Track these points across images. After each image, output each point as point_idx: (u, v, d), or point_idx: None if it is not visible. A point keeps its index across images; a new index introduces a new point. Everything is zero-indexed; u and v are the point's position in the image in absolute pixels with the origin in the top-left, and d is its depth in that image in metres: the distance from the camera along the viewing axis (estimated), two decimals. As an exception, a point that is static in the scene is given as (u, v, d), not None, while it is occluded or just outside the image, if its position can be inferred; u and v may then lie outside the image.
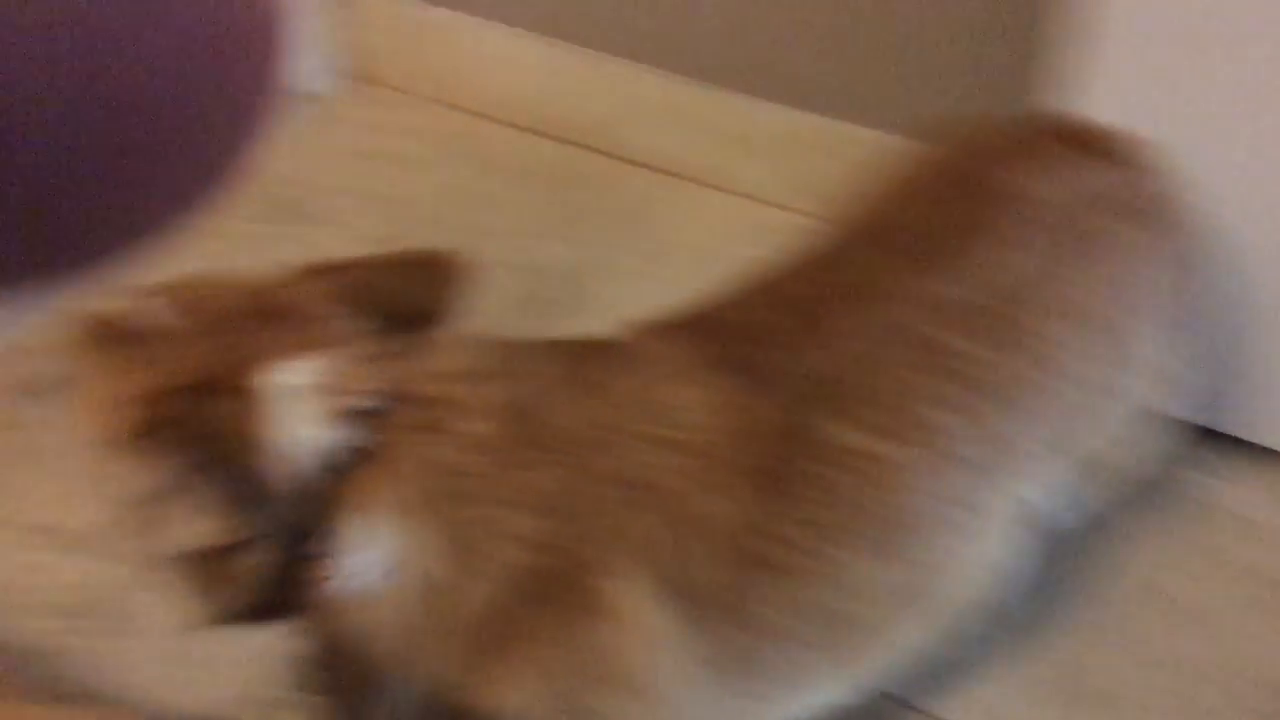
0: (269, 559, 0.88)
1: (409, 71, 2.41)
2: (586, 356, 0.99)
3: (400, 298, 0.97)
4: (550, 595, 0.89)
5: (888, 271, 1.05)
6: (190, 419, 0.84)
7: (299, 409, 0.86)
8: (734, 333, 1.02)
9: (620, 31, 2.14)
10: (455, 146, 2.32)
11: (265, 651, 1.07)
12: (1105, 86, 1.37)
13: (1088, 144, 1.22)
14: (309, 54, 2.37)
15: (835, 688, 1.04)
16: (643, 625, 0.89)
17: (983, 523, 1.02)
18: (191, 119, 0.49)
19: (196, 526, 0.85)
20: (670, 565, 0.90)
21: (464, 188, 2.23)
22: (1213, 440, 1.59)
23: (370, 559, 0.87)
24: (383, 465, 0.88)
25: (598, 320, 1.06)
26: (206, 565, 0.88)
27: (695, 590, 0.91)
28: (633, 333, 1.02)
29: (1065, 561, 1.41)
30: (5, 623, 1.53)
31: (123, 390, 0.88)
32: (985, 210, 1.09)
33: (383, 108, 2.42)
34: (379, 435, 0.88)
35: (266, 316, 0.91)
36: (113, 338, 0.92)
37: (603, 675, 0.91)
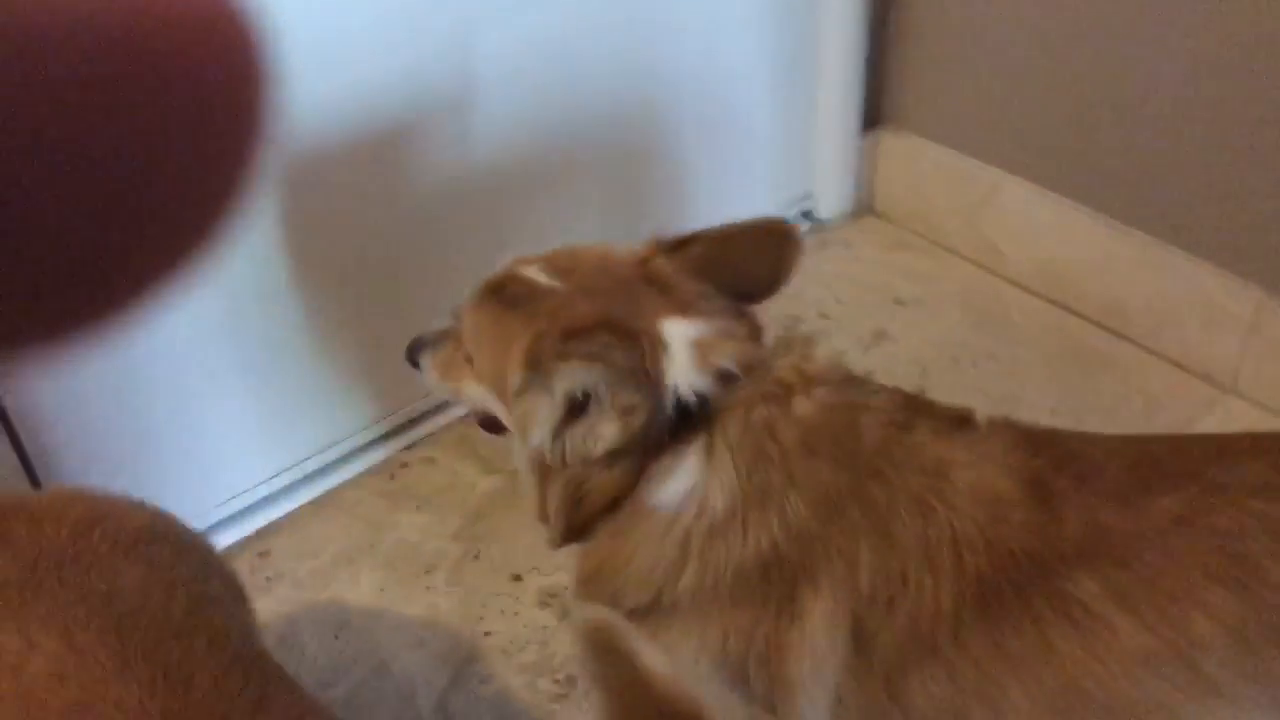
0: (616, 478, 1.04)
1: (929, 216, 2.38)
2: (923, 410, 1.06)
3: (743, 267, 1.12)
4: (770, 577, 0.99)
5: (1254, 480, 0.93)
6: (595, 354, 1.00)
7: (679, 358, 1.03)
8: (1060, 457, 1.00)
9: (1175, 222, 2.00)
10: (963, 299, 2.25)
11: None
12: None
13: None
14: (829, 180, 2.41)
15: None
16: (817, 645, 0.98)
17: None
18: (170, 183, 0.44)
19: (593, 442, 1.01)
20: (865, 609, 0.97)
21: (968, 343, 2.15)
22: None
23: (682, 487, 1.03)
24: (720, 418, 1.03)
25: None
26: (576, 484, 1.06)
27: (871, 643, 0.97)
28: (985, 418, 1.06)
29: None
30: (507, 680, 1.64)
31: (531, 330, 1.06)
32: None
33: (895, 246, 2.41)
34: (725, 394, 1.03)
35: (643, 283, 1.09)
36: (508, 294, 1.13)
37: (767, 662, 1.01)
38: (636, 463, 1.04)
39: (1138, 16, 1.89)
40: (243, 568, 1.81)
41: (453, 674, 1.66)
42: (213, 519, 1.84)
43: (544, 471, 1.10)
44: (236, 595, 1.08)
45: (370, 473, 1.97)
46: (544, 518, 1.14)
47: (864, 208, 2.49)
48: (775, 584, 1.00)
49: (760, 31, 2.15)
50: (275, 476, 1.89)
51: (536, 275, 1.13)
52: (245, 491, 1.86)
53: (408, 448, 2.00)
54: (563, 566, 1.77)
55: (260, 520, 1.88)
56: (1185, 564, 0.91)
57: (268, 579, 1.80)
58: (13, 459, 1.56)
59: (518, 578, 1.78)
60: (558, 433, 1.03)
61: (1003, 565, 0.94)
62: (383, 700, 1.64)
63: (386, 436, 1.99)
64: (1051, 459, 0.99)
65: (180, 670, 0.84)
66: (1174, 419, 1.98)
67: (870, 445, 1.02)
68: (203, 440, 1.77)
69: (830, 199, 2.45)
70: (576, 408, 1.01)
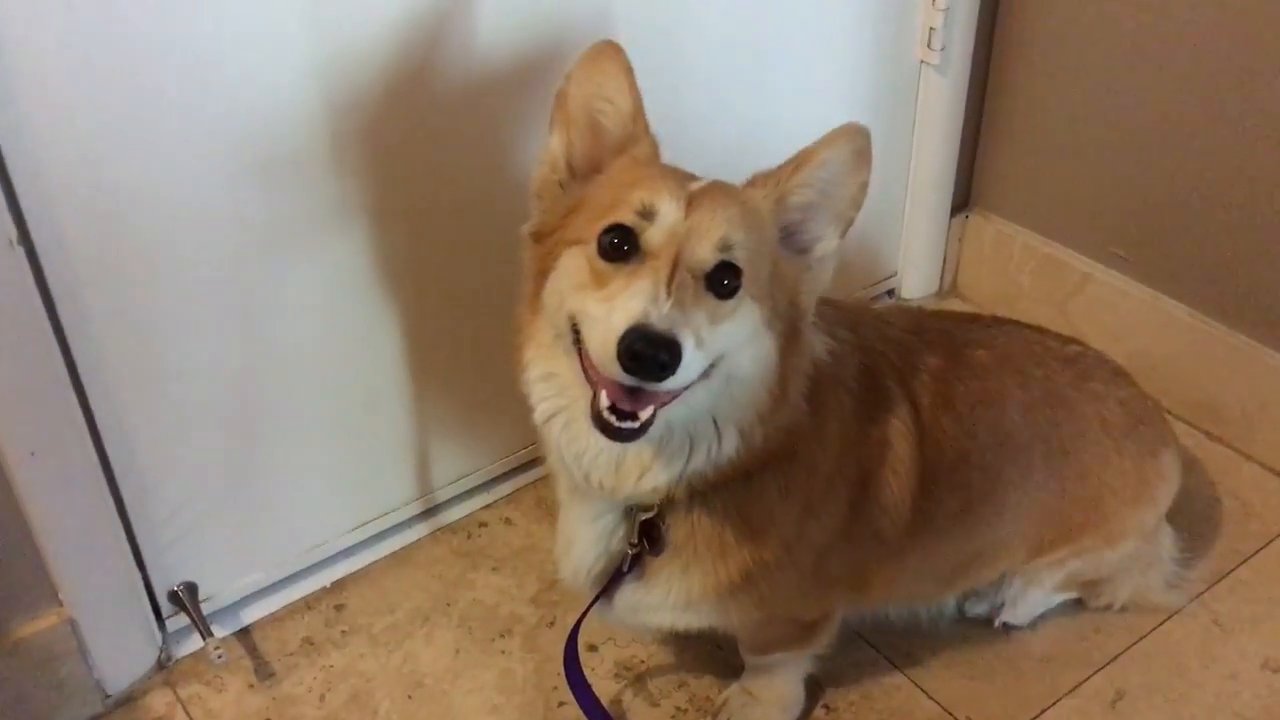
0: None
1: (1016, 302, 2.34)
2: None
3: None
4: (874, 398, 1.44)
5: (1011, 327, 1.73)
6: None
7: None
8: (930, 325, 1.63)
9: (1275, 321, 1.97)
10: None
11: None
12: None
13: None
14: (915, 261, 2.41)
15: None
16: (906, 429, 1.45)
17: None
18: None
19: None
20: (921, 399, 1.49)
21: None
22: None
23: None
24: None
25: None
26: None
27: (921, 411, 1.48)
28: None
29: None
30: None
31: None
32: None
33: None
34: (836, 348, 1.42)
35: None
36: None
37: (875, 449, 1.43)
38: None
39: (1241, 111, 1.88)
40: (318, 620, 1.81)
41: (526, 744, 1.64)
42: (292, 567, 1.84)
43: (792, 341, 1.26)
44: None
45: (449, 530, 1.96)
46: (782, 396, 1.26)
47: (948, 290, 2.48)
48: (875, 399, 1.46)
49: (858, 108, 2.15)
50: (356, 529, 1.89)
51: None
52: (326, 542, 1.86)
53: (487, 507, 2.00)
54: (638, 639, 1.76)
55: (339, 572, 1.88)
56: (1011, 351, 1.60)
57: (343, 632, 1.80)
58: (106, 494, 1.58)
59: (593, 648, 1.76)
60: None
61: (941, 342, 1.55)
62: (454, 765, 1.62)
63: (466, 495, 1.99)
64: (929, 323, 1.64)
65: None
66: (1267, 526, 1.93)
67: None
68: (287, 489, 1.78)
69: (915, 279, 2.45)
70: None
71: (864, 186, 1.25)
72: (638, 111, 1.27)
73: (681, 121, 1.84)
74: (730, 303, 1.17)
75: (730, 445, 1.26)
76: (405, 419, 1.85)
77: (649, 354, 1.05)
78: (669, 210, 1.17)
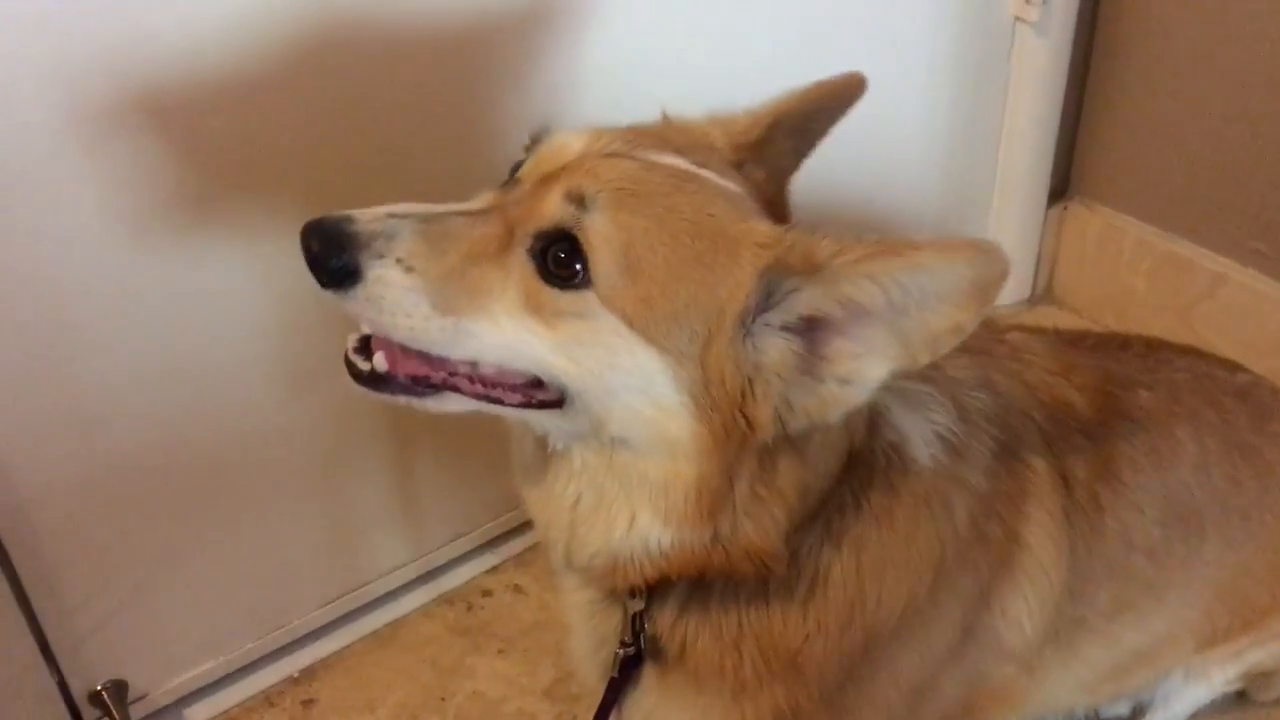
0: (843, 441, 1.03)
1: (1126, 308, 2.04)
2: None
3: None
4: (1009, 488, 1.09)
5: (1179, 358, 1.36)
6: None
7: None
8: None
9: None
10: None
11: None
12: None
13: None
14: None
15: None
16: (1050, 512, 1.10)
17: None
18: None
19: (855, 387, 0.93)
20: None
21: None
22: None
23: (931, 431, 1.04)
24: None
25: None
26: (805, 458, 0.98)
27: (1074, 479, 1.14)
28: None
29: None
30: None
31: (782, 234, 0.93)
32: None
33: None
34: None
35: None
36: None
37: (1002, 553, 1.07)
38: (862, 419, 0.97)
39: None
40: (281, 720, 1.49)
41: None
42: (249, 655, 1.53)
43: (742, 450, 0.88)
44: None
45: (444, 601, 1.66)
46: (703, 517, 0.89)
47: (1041, 295, 2.19)
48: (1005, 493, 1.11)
49: (939, 72, 1.87)
50: (329, 604, 1.58)
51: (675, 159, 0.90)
52: (290, 622, 1.55)
53: (491, 571, 1.69)
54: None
55: (307, 658, 1.58)
56: (1176, 388, 1.27)
57: (311, 737, 1.47)
58: None
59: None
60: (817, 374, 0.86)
61: (1094, 385, 1.20)
62: None
63: (466, 557, 1.69)
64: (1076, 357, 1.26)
65: None
66: None
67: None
68: (238, 557, 1.46)
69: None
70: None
71: (959, 332, 0.81)
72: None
73: (734, 73, 1.57)
74: (569, 297, 0.84)
75: (650, 533, 0.90)
76: (388, 463, 1.54)
77: (308, 242, 0.83)
78: (556, 136, 0.91)
